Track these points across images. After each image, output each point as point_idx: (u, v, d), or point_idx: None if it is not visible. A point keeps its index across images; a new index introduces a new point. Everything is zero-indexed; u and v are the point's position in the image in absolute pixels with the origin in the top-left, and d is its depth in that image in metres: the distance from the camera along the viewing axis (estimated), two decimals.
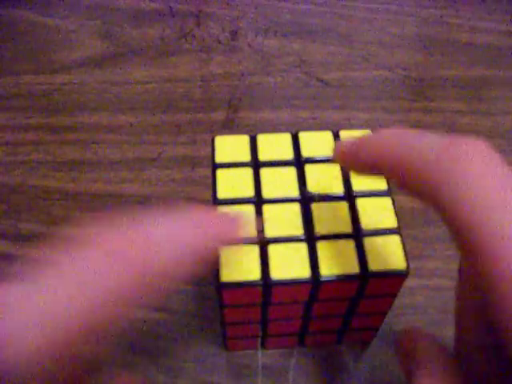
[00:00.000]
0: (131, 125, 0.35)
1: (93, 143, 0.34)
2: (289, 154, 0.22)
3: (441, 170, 0.14)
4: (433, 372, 0.16)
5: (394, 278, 0.19)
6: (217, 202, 0.20)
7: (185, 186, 0.32)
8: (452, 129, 0.36)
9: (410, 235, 0.30)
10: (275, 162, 0.21)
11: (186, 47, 0.41)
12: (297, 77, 0.38)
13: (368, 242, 0.19)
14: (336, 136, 0.22)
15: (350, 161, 0.17)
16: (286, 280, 0.18)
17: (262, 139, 0.22)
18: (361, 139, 0.16)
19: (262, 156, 0.21)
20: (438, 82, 0.39)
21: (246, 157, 0.21)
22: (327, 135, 0.22)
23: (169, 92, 0.37)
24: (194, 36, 0.41)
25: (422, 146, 0.15)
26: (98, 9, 0.43)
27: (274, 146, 0.22)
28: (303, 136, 0.22)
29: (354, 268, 0.18)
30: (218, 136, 0.22)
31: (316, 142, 0.22)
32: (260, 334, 0.23)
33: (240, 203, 0.20)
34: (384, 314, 0.22)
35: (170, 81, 0.38)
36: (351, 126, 0.35)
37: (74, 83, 0.37)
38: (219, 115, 0.35)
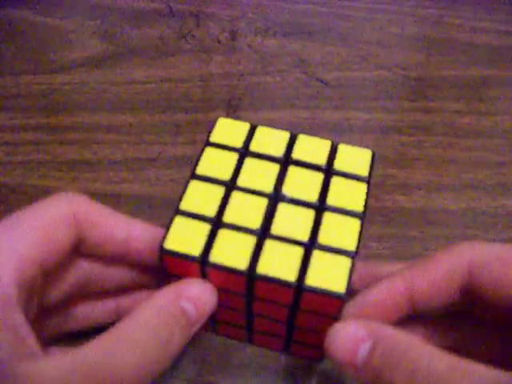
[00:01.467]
0: (131, 125, 0.35)
1: (93, 143, 0.34)
2: (279, 151, 0.22)
3: None
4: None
5: (330, 299, 0.18)
6: (193, 176, 0.21)
7: None
8: (452, 129, 0.36)
9: (410, 235, 0.30)
10: (263, 155, 0.22)
11: (185, 47, 0.41)
12: (296, 77, 0.38)
13: (317, 255, 0.19)
14: (334, 147, 0.22)
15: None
16: (221, 265, 0.19)
17: (261, 131, 0.22)
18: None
19: (253, 147, 0.22)
20: (437, 82, 0.39)
21: (239, 143, 0.22)
22: (325, 144, 0.22)
23: (168, 92, 0.37)
24: (193, 36, 0.41)
25: None
26: (97, 9, 0.43)
27: (270, 140, 0.22)
28: (301, 138, 0.22)
29: (291, 276, 0.18)
30: (222, 118, 0.23)
31: (311, 147, 0.22)
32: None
33: (212, 183, 0.20)
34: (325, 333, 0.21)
35: (170, 81, 0.38)
36: (351, 126, 0.35)
37: (74, 83, 0.37)
38: (219, 115, 0.35)
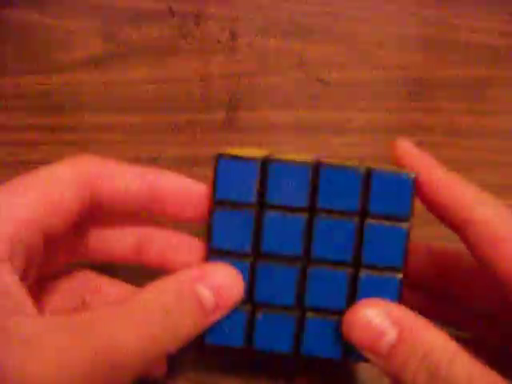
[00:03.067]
0: (131, 125, 0.35)
1: (93, 143, 0.34)
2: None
3: None
4: None
5: None
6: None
7: None
8: (452, 129, 0.36)
9: (410, 235, 0.30)
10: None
11: (185, 47, 0.41)
12: (296, 77, 0.38)
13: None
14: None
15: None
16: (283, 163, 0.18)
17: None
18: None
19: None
20: (437, 82, 0.39)
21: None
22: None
23: (169, 92, 0.37)
24: (193, 36, 0.41)
25: None
26: (97, 9, 0.43)
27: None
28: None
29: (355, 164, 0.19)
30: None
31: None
32: None
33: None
34: None
35: (170, 81, 0.38)
36: (351, 126, 0.35)
37: (74, 83, 0.37)
38: (219, 115, 0.36)
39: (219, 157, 0.19)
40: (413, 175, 0.19)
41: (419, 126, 0.35)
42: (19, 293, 0.16)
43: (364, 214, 0.19)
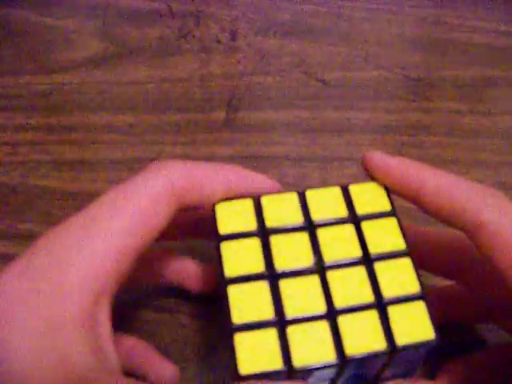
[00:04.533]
0: (131, 125, 0.35)
1: (93, 143, 0.34)
2: (298, 218, 0.20)
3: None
4: None
5: (425, 348, 0.18)
6: (226, 281, 0.18)
7: None
8: (452, 129, 0.36)
9: None
10: (284, 228, 0.19)
11: (185, 47, 0.41)
12: (296, 77, 0.38)
13: (392, 311, 0.18)
14: (345, 191, 0.21)
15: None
16: (311, 367, 0.17)
17: (267, 202, 0.20)
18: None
19: (269, 222, 0.20)
20: (437, 82, 0.39)
21: (252, 224, 0.20)
22: (335, 192, 0.21)
23: (169, 92, 0.37)
24: (193, 36, 0.41)
25: None
26: (97, 9, 0.43)
27: (281, 208, 0.20)
28: (311, 195, 0.20)
29: (381, 344, 0.17)
30: (219, 204, 0.20)
31: (325, 201, 0.20)
32: None
33: (252, 280, 0.18)
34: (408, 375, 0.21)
35: (170, 81, 0.38)
36: (351, 126, 0.35)
37: (74, 83, 0.37)
38: (219, 115, 0.36)
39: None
40: (433, 337, 0.18)
41: (419, 126, 0.35)
42: (111, 349, 0.16)
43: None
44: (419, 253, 0.20)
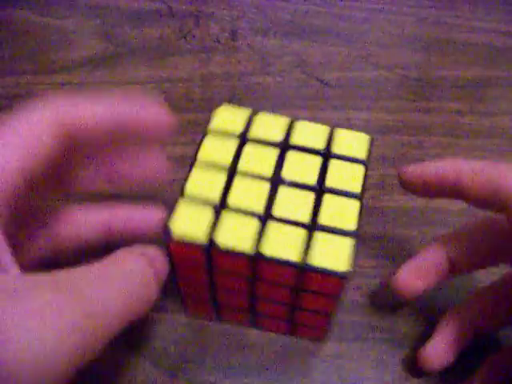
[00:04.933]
0: None
1: None
2: (278, 137, 0.22)
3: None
4: None
5: (334, 278, 0.19)
6: (195, 162, 0.21)
7: None
8: (452, 129, 0.36)
9: (409, 235, 0.30)
10: (262, 140, 0.22)
11: (185, 47, 0.41)
12: (296, 77, 0.38)
13: (319, 236, 0.19)
14: (331, 132, 0.23)
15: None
16: (226, 248, 0.19)
17: (261, 117, 0.23)
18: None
19: (253, 133, 0.22)
20: (437, 82, 0.39)
21: (238, 129, 0.22)
22: (323, 129, 0.23)
23: (169, 92, 0.37)
24: (193, 36, 0.41)
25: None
26: (97, 9, 0.43)
27: (269, 126, 0.22)
28: (300, 124, 0.23)
29: (294, 256, 0.19)
30: (223, 105, 0.23)
31: (310, 133, 0.22)
32: (210, 299, 0.23)
33: (214, 169, 0.21)
34: (328, 314, 0.22)
35: (170, 81, 0.38)
36: (351, 126, 0.35)
37: (74, 83, 0.37)
38: None
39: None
40: (345, 270, 0.19)
41: (419, 126, 0.35)
42: (2, 249, 0.17)
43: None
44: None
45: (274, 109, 0.37)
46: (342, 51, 0.41)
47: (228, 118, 0.23)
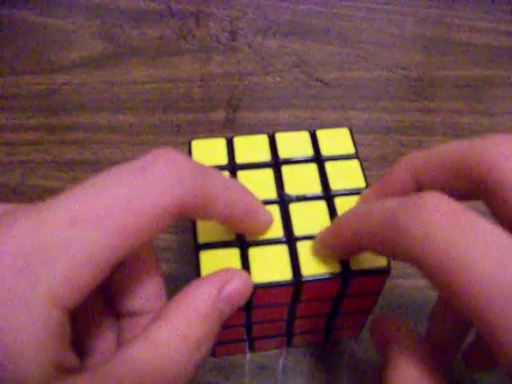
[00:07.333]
0: (131, 125, 0.35)
1: (93, 143, 0.34)
2: (266, 156, 0.22)
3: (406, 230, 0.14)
4: (409, 357, 0.16)
5: (376, 276, 0.19)
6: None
7: None
8: (452, 129, 0.36)
9: None
10: (252, 164, 0.21)
11: (185, 47, 0.41)
12: (296, 77, 0.38)
13: None
14: (313, 136, 0.23)
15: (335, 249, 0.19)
16: (267, 283, 0.18)
17: (239, 142, 0.22)
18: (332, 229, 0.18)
19: (239, 159, 0.22)
20: (437, 82, 0.39)
21: (223, 160, 0.22)
22: (304, 135, 0.23)
23: (169, 92, 0.37)
24: (193, 36, 0.41)
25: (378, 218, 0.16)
26: (97, 9, 0.43)
27: (251, 148, 0.22)
28: (280, 137, 0.22)
29: (335, 267, 0.18)
30: (194, 140, 0.22)
31: (293, 143, 0.22)
32: (245, 337, 0.23)
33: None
34: (368, 311, 0.22)
35: (170, 81, 0.38)
36: (351, 126, 0.35)
37: (74, 83, 0.37)
38: (219, 115, 0.36)
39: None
40: (386, 265, 0.19)
41: (419, 125, 0.35)
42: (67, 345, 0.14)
43: None
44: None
45: (274, 109, 0.37)
46: (341, 51, 0.41)
47: (206, 150, 0.22)
